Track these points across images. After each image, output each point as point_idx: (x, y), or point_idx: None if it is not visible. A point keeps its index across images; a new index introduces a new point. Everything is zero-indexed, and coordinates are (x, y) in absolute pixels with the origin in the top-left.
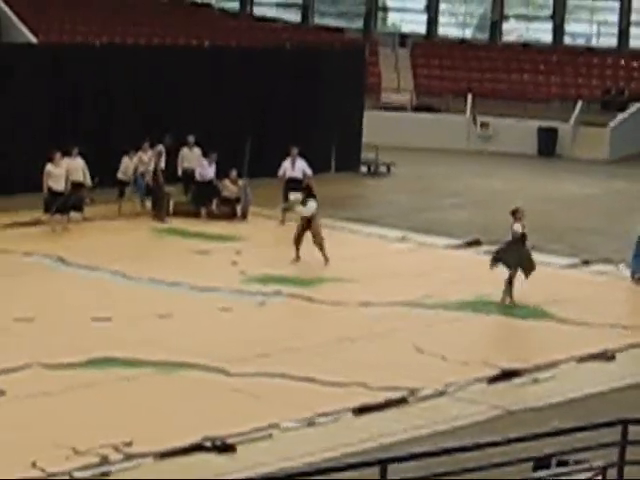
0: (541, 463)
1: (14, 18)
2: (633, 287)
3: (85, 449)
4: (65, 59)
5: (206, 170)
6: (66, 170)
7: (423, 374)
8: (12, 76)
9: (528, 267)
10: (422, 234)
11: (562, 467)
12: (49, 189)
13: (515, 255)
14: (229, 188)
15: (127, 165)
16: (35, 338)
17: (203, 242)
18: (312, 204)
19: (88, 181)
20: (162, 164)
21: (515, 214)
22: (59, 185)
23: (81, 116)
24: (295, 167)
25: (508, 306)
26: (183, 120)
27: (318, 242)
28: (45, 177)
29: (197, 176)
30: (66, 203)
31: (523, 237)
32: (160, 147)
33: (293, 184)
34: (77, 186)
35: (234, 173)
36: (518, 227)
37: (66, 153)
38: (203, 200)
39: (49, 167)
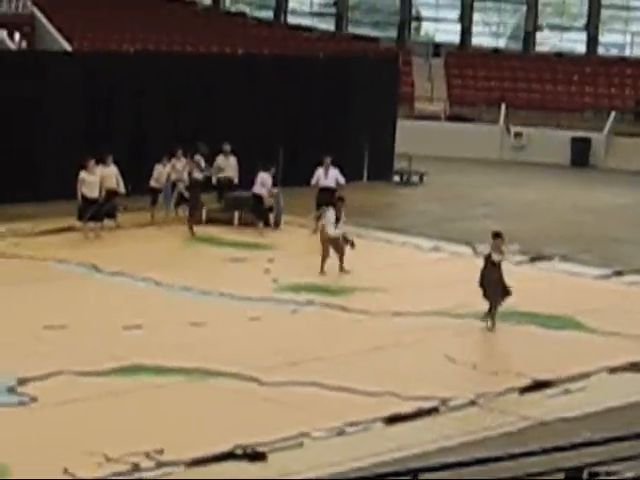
0: (573, 474)
1: (49, 26)
2: None
3: (116, 456)
4: (99, 66)
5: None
6: (100, 177)
7: (454, 384)
8: (46, 84)
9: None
10: (454, 244)
11: (594, 478)
12: (83, 196)
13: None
14: None
15: (160, 173)
16: (67, 345)
17: (236, 250)
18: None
19: (122, 189)
20: (199, 174)
21: (498, 237)
22: (93, 192)
23: (114, 123)
24: (328, 176)
25: (538, 316)
26: (216, 128)
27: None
28: (79, 184)
29: (263, 192)
30: (100, 210)
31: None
32: (198, 157)
33: (326, 193)
34: (111, 194)
35: None
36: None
37: (100, 161)
38: (263, 216)
39: (83, 174)
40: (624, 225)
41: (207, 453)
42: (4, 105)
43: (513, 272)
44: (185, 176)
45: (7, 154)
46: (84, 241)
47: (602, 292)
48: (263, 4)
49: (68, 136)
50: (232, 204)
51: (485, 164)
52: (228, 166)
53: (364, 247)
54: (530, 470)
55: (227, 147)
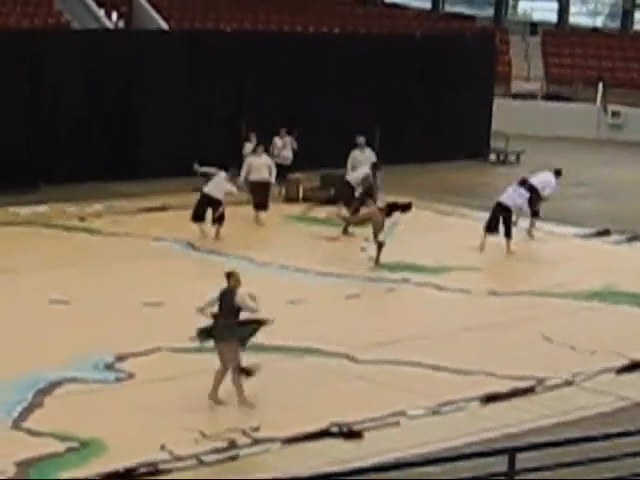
0: None
1: (146, 5)
2: None
3: (213, 433)
4: (196, 46)
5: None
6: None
7: (551, 363)
8: (143, 63)
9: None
10: (551, 223)
11: None
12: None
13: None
14: None
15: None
16: (164, 322)
17: (332, 228)
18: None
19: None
20: (289, 153)
21: (230, 278)
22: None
23: (212, 103)
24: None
25: (636, 296)
26: (312, 106)
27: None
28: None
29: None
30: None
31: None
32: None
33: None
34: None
35: None
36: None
37: None
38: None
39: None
40: None
41: (303, 431)
42: (102, 84)
43: (611, 252)
44: (287, 154)
45: (105, 133)
46: (181, 219)
47: None
48: None
49: (166, 115)
50: (329, 183)
51: (582, 143)
52: (363, 160)
53: (461, 226)
54: (624, 450)
55: (362, 140)
